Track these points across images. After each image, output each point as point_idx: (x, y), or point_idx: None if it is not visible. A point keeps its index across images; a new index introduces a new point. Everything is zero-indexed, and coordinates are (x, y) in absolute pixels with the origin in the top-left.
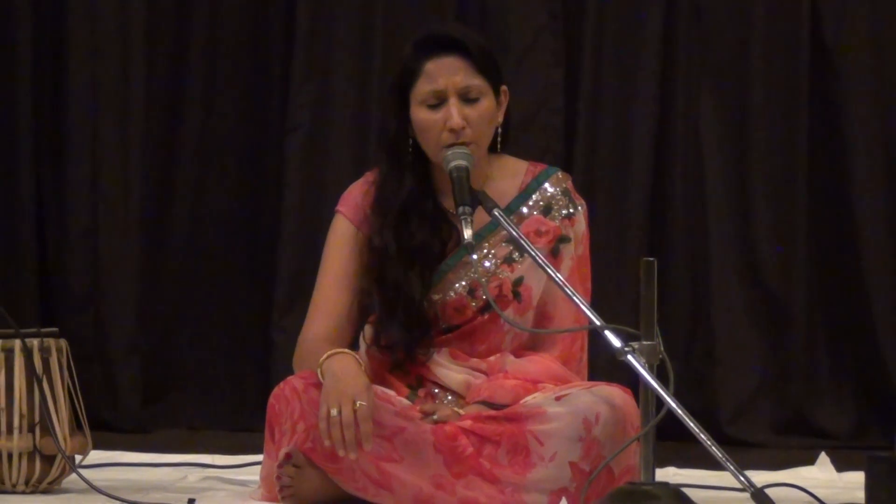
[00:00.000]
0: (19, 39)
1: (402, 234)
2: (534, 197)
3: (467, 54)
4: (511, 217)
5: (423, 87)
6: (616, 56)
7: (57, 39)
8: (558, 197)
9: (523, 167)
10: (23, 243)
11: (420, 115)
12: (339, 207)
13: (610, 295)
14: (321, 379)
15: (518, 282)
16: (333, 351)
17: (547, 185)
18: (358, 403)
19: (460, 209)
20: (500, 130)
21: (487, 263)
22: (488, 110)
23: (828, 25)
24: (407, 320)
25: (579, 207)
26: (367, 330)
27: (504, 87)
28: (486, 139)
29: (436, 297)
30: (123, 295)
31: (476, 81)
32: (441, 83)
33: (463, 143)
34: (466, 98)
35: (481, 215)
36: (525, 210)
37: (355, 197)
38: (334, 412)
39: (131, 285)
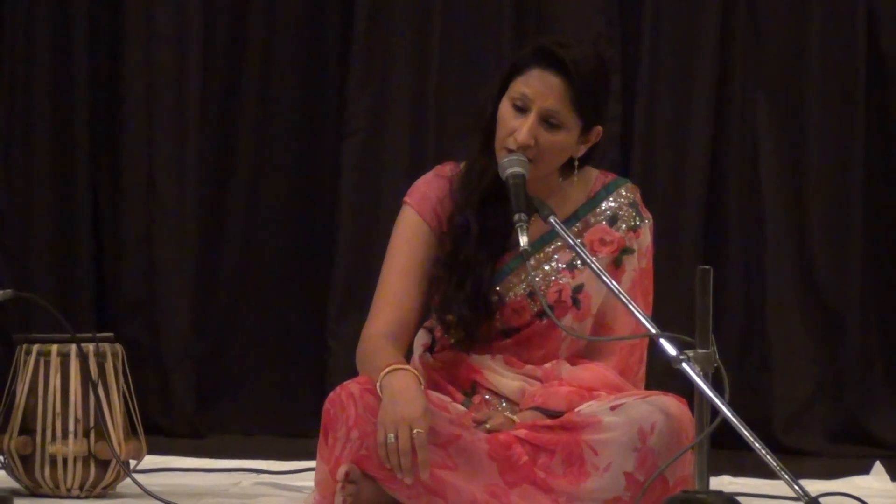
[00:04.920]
0: (76, 44)
1: (479, 216)
2: (601, 206)
3: (572, 83)
4: (577, 224)
5: (517, 86)
6: (672, 64)
7: (113, 45)
8: (626, 208)
9: (593, 175)
10: (79, 248)
11: (504, 108)
12: (407, 199)
13: (665, 302)
14: (380, 394)
15: (578, 288)
16: (394, 367)
17: (616, 195)
18: (415, 431)
19: (516, 217)
20: (576, 162)
21: (548, 268)
22: (562, 143)
23: (884, 31)
24: (474, 298)
25: (646, 221)
26: (420, 337)
27: (599, 129)
28: (551, 165)
29: (495, 297)
30: (179, 300)
31: (564, 111)
32: (531, 93)
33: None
34: (547, 121)
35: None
36: (592, 219)
37: (423, 189)
38: (391, 438)
39: (186, 290)
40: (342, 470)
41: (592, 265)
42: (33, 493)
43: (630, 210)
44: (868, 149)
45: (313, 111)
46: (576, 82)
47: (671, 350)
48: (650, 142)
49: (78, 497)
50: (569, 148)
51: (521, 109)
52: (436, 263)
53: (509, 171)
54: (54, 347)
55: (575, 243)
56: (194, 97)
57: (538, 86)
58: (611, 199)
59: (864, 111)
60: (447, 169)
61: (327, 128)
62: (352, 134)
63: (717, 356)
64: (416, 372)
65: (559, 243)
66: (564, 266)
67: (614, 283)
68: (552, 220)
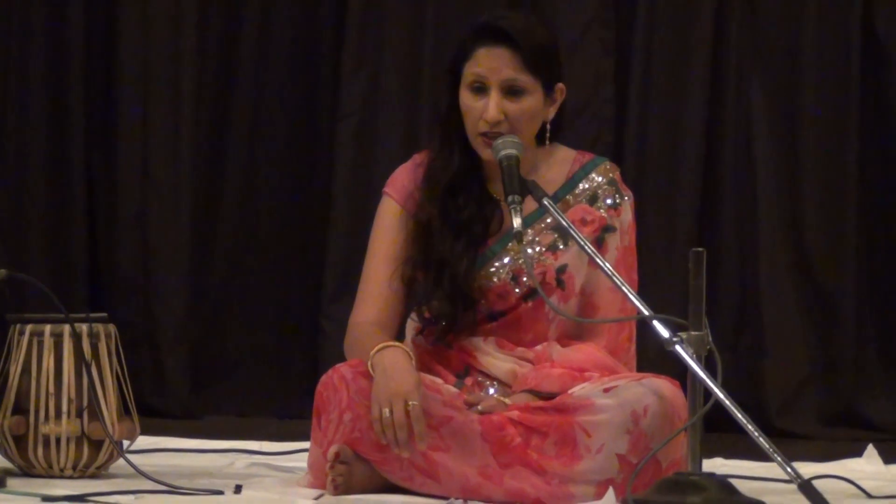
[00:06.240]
0: (71, 26)
1: (448, 209)
2: (580, 186)
3: (519, 49)
4: (557, 205)
5: (469, 69)
6: (667, 46)
7: (108, 23)
8: (605, 186)
9: (571, 156)
10: (73, 229)
11: (464, 97)
12: (387, 189)
13: (659, 285)
14: (372, 373)
15: (562, 269)
16: (384, 344)
17: (594, 174)
18: (410, 404)
19: (510, 198)
20: (548, 126)
21: (531, 251)
22: (531, 107)
23: (880, 18)
24: (452, 293)
25: (626, 198)
26: (412, 322)
27: (560, 86)
28: (528, 134)
29: (479, 282)
30: (173, 281)
31: (522, 77)
32: (485, 70)
33: (499, 134)
34: (510, 92)
35: (528, 203)
36: (571, 198)
37: (402, 178)
38: (386, 412)
39: (181, 272)
40: (332, 450)
41: (587, 248)
42: (26, 473)
43: (609, 188)
44: (863, 133)
45: (308, 93)
46: (522, 45)
47: (664, 332)
48: (645, 125)
49: (71, 477)
50: (539, 112)
51: (480, 90)
52: (411, 265)
53: (502, 152)
54: (48, 328)
55: (570, 225)
56: (189, 79)
57: (489, 62)
58: (589, 178)
59: (858, 95)
60: (423, 156)
61: (322, 110)
62: (347, 116)
63: (711, 338)
64: (405, 348)
65: (541, 226)
66: (546, 248)
67: (608, 265)
68: (546, 203)
